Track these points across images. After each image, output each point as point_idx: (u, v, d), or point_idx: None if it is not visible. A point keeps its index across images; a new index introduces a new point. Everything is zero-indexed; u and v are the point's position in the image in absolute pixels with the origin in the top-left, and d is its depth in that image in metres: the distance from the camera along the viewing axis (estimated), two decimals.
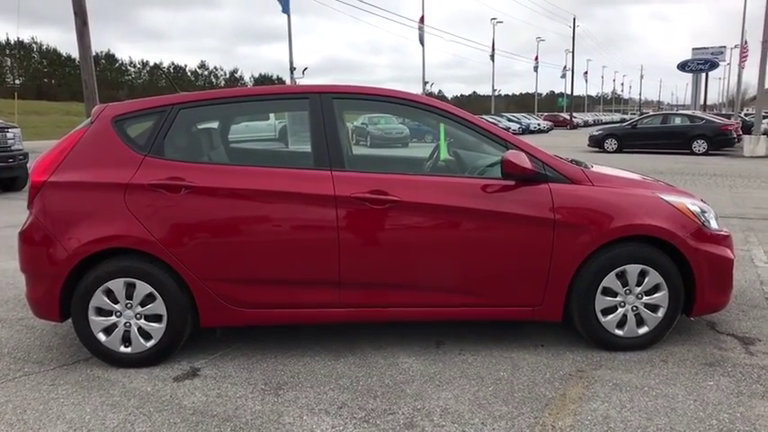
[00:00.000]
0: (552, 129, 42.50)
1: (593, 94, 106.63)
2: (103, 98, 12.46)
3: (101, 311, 2.87)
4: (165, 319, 2.87)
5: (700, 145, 18.12)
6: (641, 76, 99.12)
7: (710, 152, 18.06)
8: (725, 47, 36.00)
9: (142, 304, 2.87)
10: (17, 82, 58.23)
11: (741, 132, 19.88)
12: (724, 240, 3.14)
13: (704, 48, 34.64)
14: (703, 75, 33.65)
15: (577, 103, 70.79)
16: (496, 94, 52.59)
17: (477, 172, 3.17)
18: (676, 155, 17.75)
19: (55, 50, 63.12)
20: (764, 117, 23.28)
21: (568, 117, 51.07)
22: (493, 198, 2.92)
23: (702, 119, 19.46)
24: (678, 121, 19.54)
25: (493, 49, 46.20)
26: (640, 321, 3.02)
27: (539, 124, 40.35)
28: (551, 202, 2.91)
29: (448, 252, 2.91)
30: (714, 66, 33.09)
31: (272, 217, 2.87)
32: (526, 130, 35.83)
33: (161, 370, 2.89)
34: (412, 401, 2.55)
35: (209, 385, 2.73)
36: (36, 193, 2.90)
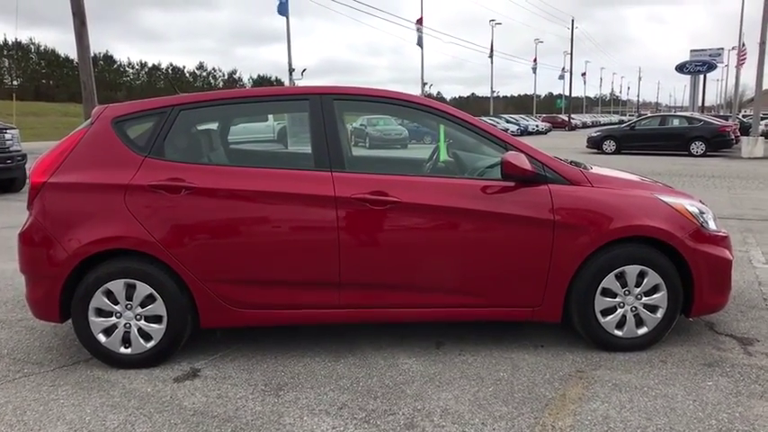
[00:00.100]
0: (551, 130, 42.58)
1: (592, 95, 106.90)
2: (102, 99, 12.47)
3: (101, 312, 2.87)
4: (165, 319, 2.87)
5: (698, 146, 18.18)
6: (639, 78, 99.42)
7: (708, 153, 18.11)
8: (722, 49, 36.11)
9: (142, 305, 2.87)
10: (15, 83, 58.16)
11: (739, 134, 19.93)
12: (722, 241, 3.15)
13: (702, 50, 34.74)
14: (701, 76, 33.74)
15: (576, 105, 70.95)
16: (495, 95, 52.69)
17: (477, 173, 3.18)
18: (674, 156, 17.79)
19: (53, 51, 63.12)
20: (762, 118, 23.37)
21: (567, 118, 51.20)
22: (493, 199, 2.93)
23: (700, 120, 19.52)
24: (676, 122, 19.59)
25: (491, 51, 46.28)
26: (639, 322, 3.03)
27: (537, 126, 40.41)
28: (551, 203, 2.92)
29: (448, 253, 2.92)
30: (712, 67, 33.18)
31: (273, 218, 2.88)
32: (524, 132, 35.86)
33: (161, 371, 2.89)
34: (412, 402, 2.55)
35: (210, 386, 2.73)
36: (36, 194, 2.90)
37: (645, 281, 2.99)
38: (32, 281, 2.94)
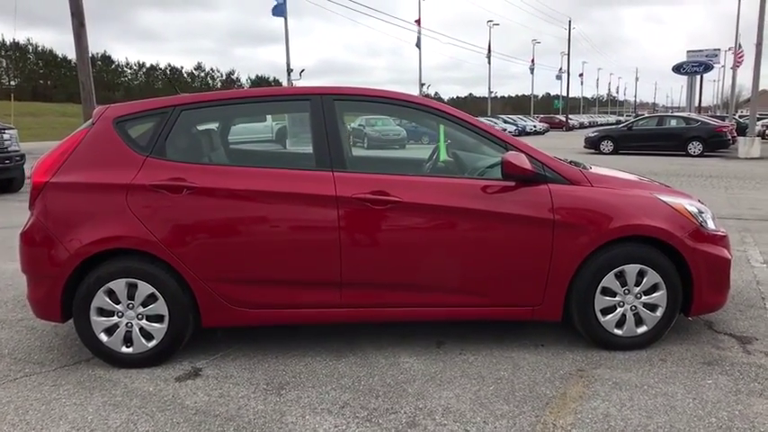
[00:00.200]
0: (548, 130, 42.65)
1: (589, 95, 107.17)
2: (100, 99, 12.44)
3: (102, 312, 2.87)
4: (166, 319, 2.88)
5: (695, 146, 18.24)
6: (636, 79, 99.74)
7: (706, 154, 18.17)
8: (719, 49, 36.22)
9: (144, 305, 2.88)
10: (12, 83, 58.01)
11: (736, 134, 20.00)
12: (721, 240, 3.17)
13: (699, 50, 34.85)
14: (698, 77, 33.80)
15: (573, 105, 71.09)
16: (493, 95, 52.80)
17: (477, 173, 3.19)
18: (672, 156, 17.85)
19: (51, 51, 63.00)
20: (759, 119, 23.46)
21: (564, 119, 51.28)
22: (493, 199, 2.94)
23: (698, 121, 19.58)
24: (673, 122, 19.66)
25: (489, 52, 46.36)
26: (639, 321, 3.05)
27: (535, 126, 40.47)
28: (551, 203, 2.93)
29: (448, 252, 2.93)
30: (708, 68, 33.25)
31: (274, 217, 2.89)
32: (522, 132, 35.91)
33: (162, 370, 2.90)
34: (414, 401, 2.56)
35: (212, 385, 2.74)
36: (38, 194, 2.90)
37: (644, 280, 3.00)
38: (34, 281, 2.95)
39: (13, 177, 10.39)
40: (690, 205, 3.15)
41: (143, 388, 2.72)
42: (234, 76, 79.72)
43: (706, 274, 3.03)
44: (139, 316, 2.89)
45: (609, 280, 2.99)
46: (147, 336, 2.90)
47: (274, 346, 3.19)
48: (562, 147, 22.72)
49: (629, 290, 3.01)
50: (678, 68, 32.67)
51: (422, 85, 36.21)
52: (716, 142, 18.41)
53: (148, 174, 2.85)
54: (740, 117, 32.75)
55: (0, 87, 53.25)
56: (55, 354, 3.15)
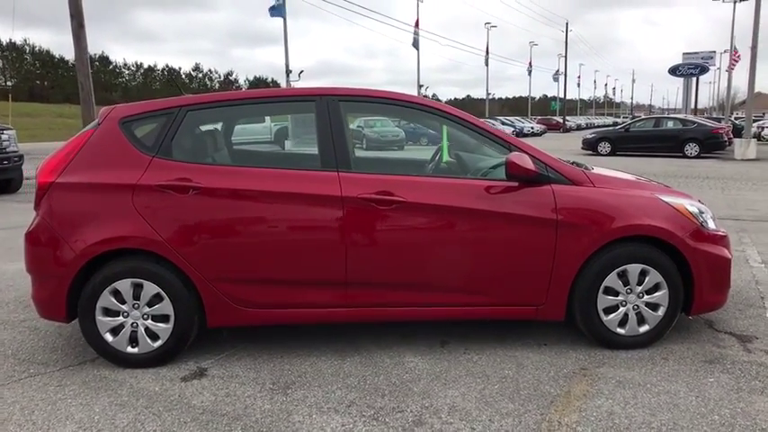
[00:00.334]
0: (545, 132, 42.75)
1: (586, 97, 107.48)
2: (97, 100, 12.42)
3: (108, 312, 2.88)
4: (172, 319, 2.89)
5: (692, 148, 18.34)
6: (633, 81, 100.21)
7: (702, 155, 18.27)
8: (714, 52, 36.41)
9: (149, 304, 2.88)
10: (9, 84, 57.82)
11: (732, 136, 20.12)
12: (721, 240, 3.20)
13: (695, 53, 35.02)
14: (694, 79, 33.97)
15: (570, 107, 71.30)
16: (490, 97, 52.88)
17: (481, 174, 3.22)
18: (669, 158, 17.93)
19: (48, 52, 62.91)
20: (754, 121, 23.59)
21: (561, 120, 51.42)
22: (496, 199, 2.96)
23: (694, 122, 19.70)
24: (670, 124, 19.76)
25: (487, 54, 46.48)
26: (641, 320, 3.07)
27: (532, 127, 40.57)
28: (554, 203, 2.96)
29: (453, 252, 2.95)
30: (704, 70, 33.40)
31: (280, 217, 2.90)
32: (520, 134, 35.96)
33: (168, 370, 2.91)
34: (419, 399, 2.58)
35: (218, 385, 2.75)
36: (43, 194, 2.90)
37: (646, 279, 3.03)
38: (39, 281, 2.95)
39: (12, 178, 10.37)
40: (690, 205, 3.18)
41: (149, 388, 2.72)
42: (232, 77, 79.79)
43: (707, 274, 3.06)
44: (145, 316, 2.89)
45: (611, 279, 3.01)
46: (153, 336, 2.91)
47: (279, 346, 3.20)
48: (560, 148, 22.80)
49: (631, 289, 3.04)
50: (674, 70, 32.82)
51: (420, 86, 36.26)
52: (712, 144, 18.52)
53: (155, 174, 2.86)
54: (736, 119, 32.95)
55: None
56: (59, 354, 3.16)
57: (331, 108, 3.01)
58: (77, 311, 2.90)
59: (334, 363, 2.98)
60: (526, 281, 3.00)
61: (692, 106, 34.74)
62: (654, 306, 3.07)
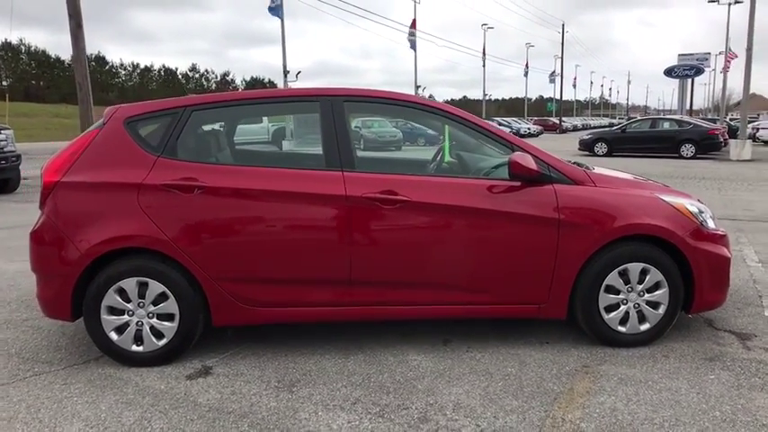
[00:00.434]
0: (542, 133, 42.92)
1: (582, 98, 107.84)
2: (94, 100, 12.39)
3: (113, 311, 2.89)
4: (177, 317, 2.90)
5: (688, 149, 18.46)
6: (629, 82, 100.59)
7: (698, 156, 18.38)
8: (710, 53, 36.64)
9: (154, 303, 2.89)
10: (5, 83, 57.54)
11: (727, 137, 20.25)
12: (721, 239, 3.24)
13: (690, 54, 35.22)
14: (689, 80, 34.17)
15: (566, 108, 71.52)
16: (487, 98, 52.98)
17: (483, 173, 3.24)
18: (665, 158, 18.03)
19: (44, 52, 62.70)
20: (749, 122, 23.73)
21: (558, 121, 51.58)
22: (499, 198, 2.99)
23: (690, 123, 19.82)
24: (666, 125, 19.88)
25: (484, 55, 46.58)
26: (642, 318, 3.11)
27: (529, 128, 40.71)
28: (556, 203, 2.98)
29: (455, 251, 2.98)
30: (700, 72, 33.62)
31: (285, 217, 2.92)
32: (516, 135, 35.98)
33: (173, 369, 2.92)
34: (424, 397, 2.60)
35: (223, 383, 2.76)
36: (48, 193, 2.91)
37: (647, 278, 3.06)
38: (44, 279, 2.95)
39: (9, 178, 10.34)
40: (690, 205, 3.22)
41: (154, 386, 2.74)
42: (229, 78, 79.73)
43: (707, 273, 3.10)
44: (150, 314, 2.91)
45: (612, 278, 3.04)
46: (158, 334, 2.92)
47: (282, 344, 3.22)
48: (557, 149, 22.84)
49: (632, 288, 3.07)
50: (670, 72, 33.01)
51: (417, 87, 36.31)
52: (708, 145, 18.64)
53: (160, 173, 2.87)
54: (730, 120, 33.14)
55: None
56: (63, 353, 3.16)
57: (335, 108, 3.04)
58: (82, 310, 2.91)
59: (338, 361, 3.00)
60: (529, 279, 3.03)
61: (688, 107, 34.91)
62: (654, 304, 3.10)
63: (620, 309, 3.09)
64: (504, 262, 3.00)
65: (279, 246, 2.91)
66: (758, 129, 26.07)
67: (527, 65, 56.22)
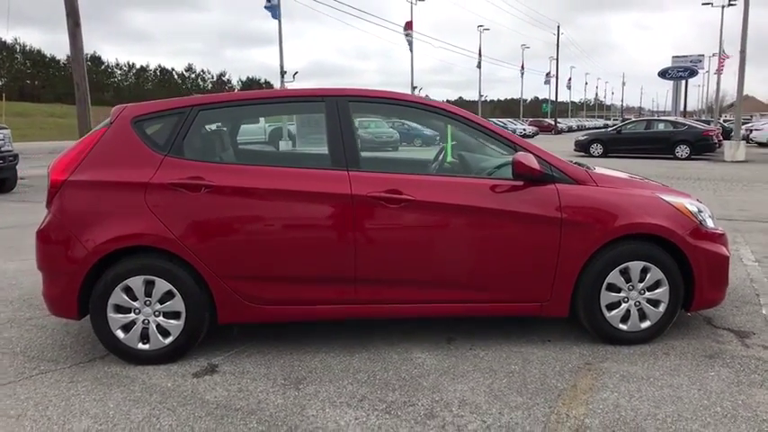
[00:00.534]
0: (537, 134, 43.04)
1: (577, 100, 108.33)
2: (90, 100, 12.36)
3: (119, 309, 2.90)
4: (183, 315, 2.92)
5: (682, 150, 18.58)
6: (623, 83, 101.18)
7: (693, 157, 18.51)
8: (703, 55, 36.93)
9: (161, 301, 2.91)
10: None
11: (721, 138, 20.40)
12: (720, 238, 3.29)
13: (684, 56, 35.48)
14: (683, 82, 34.42)
15: (561, 109, 71.84)
16: (482, 99, 53.11)
17: (486, 173, 3.28)
18: (660, 159, 18.15)
19: (39, 51, 62.33)
20: (743, 123, 23.93)
21: (553, 122, 51.80)
22: (502, 197, 3.03)
23: (685, 125, 19.96)
24: (661, 126, 20.01)
25: (480, 56, 46.72)
26: (643, 316, 3.15)
27: (524, 129, 40.83)
28: (558, 202, 3.02)
29: (459, 249, 3.01)
30: (693, 73, 33.86)
31: (290, 215, 2.94)
32: None
33: (179, 367, 2.94)
34: (430, 393, 2.63)
35: (229, 381, 2.78)
36: (56, 192, 2.92)
37: (648, 276, 3.10)
38: (50, 278, 2.97)
39: (6, 178, 10.31)
40: (690, 204, 3.27)
41: (161, 384, 2.75)
42: (225, 78, 79.47)
43: (706, 271, 3.14)
44: (156, 313, 2.92)
45: (614, 276, 3.08)
46: (164, 332, 2.94)
47: (287, 342, 3.24)
48: (553, 150, 22.88)
49: (633, 286, 3.11)
50: (664, 73, 33.23)
51: (414, 87, 36.38)
52: (703, 146, 18.77)
53: (167, 172, 2.89)
54: (724, 121, 33.38)
55: None
56: (68, 351, 3.17)
57: (340, 108, 3.06)
58: (89, 308, 2.92)
59: (342, 359, 3.03)
60: (532, 278, 3.06)
61: (682, 109, 35.16)
62: (655, 302, 3.14)
63: (622, 307, 3.13)
64: (508, 260, 3.04)
65: (285, 244, 2.94)
66: (752, 130, 26.27)
67: (522, 66, 56.42)
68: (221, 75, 79.60)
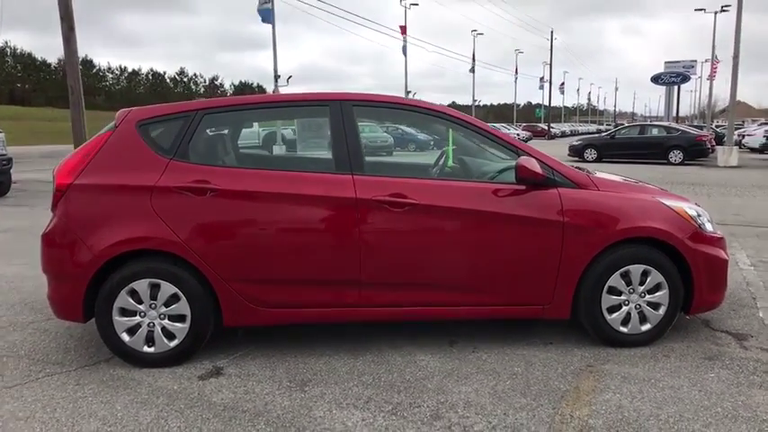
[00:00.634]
0: (531, 139, 43.27)
1: (570, 105, 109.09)
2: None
3: (125, 312, 2.91)
4: (188, 319, 2.93)
5: (676, 155, 18.76)
6: (616, 88, 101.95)
7: (686, 162, 18.69)
8: (696, 61, 37.32)
9: (166, 304, 2.92)
10: None
11: (715, 143, 20.63)
12: (718, 242, 3.34)
13: (676, 61, 35.84)
14: (675, 87, 34.75)
15: (554, 114, 72.30)
16: (476, 104, 53.37)
17: (487, 177, 3.32)
18: (654, 164, 18.32)
19: (29, 55, 61.97)
20: (736, 129, 24.20)
21: (546, 127, 52.12)
22: (505, 201, 3.07)
23: (678, 130, 20.15)
24: (655, 131, 20.18)
25: (473, 61, 46.99)
26: (643, 319, 3.20)
27: (518, 134, 41.01)
28: (560, 206, 3.07)
29: (462, 253, 3.05)
30: (686, 79, 34.20)
31: (295, 219, 2.97)
32: None
33: (184, 369, 2.95)
34: (435, 395, 2.66)
35: (235, 383, 2.80)
36: (61, 195, 2.93)
37: (648, 279, 3.15)
38: (56, 281, 2.97)
39: (1, 182, 10.24)
40: (689, 208, 3.33)
41: (167, 386, 2.76)
42: (217, 82, 79.37)
43: (705, 274, 3.20)
44: (162, 316, 2.93)
45: (615, 279, 3.13)
46: (169, 335, 2.95)
47: (291, 345, 3.26)
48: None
49: (633, 289, 3.16)
50: (656, 79, 33.54)
51: (408, 91, 36.52)
52: (696, 151, 18.96)
53: (172, 176, 2.91)
54: (716, 127, 33.74)
55: None
56: (73, 354, 3.17)
57: (345, 112, 3.10)
58: (94, 311, 2.92)
59: (347, 361, 3.05)
60: (534, 281, 3.10)
61: (674, 114, 35.49)
62: (655, 305, 3.19)
63: (622, 309, 3.17)
64: (510, 264, 3.07)
65: (290, 247, 2.96)
66: (744, 135, 26.58)
67: (516, 71, 56.80)
68: (213, 79, 79.58)
